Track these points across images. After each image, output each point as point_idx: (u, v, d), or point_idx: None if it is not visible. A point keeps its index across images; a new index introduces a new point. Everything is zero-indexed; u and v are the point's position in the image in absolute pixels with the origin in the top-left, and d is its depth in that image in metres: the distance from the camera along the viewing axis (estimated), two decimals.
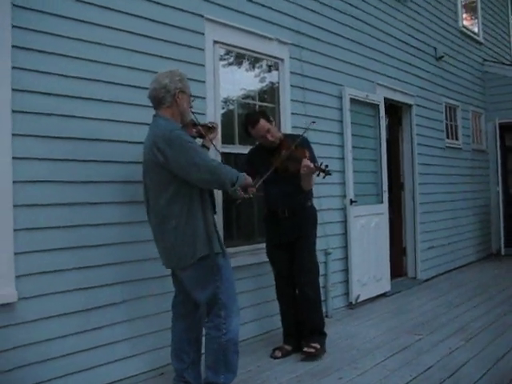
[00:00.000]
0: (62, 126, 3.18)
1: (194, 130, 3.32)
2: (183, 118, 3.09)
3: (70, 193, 3.20)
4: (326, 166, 3.65)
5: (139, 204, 3.30)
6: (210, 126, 3.45)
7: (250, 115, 4.04)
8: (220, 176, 2.87)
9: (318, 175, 3.67)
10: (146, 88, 3.52)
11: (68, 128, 3.21)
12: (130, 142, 3.51)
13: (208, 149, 3.33)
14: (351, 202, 5.52)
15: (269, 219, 4.11)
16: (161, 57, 3.73)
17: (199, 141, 3.34)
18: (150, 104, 3.29)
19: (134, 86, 3.56)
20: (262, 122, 3.86)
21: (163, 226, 2.91)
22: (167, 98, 2.98)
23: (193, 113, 3.21)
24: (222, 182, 2.90)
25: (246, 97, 4.67)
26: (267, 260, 4.18)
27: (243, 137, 4.44)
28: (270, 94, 4.88)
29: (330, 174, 3.66)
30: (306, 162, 3.62)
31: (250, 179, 3.08)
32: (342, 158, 5.54)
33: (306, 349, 3.93)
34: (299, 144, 3.85)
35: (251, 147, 4.21)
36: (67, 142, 3.20)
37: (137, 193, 3.38)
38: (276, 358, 3.98)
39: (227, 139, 4.31)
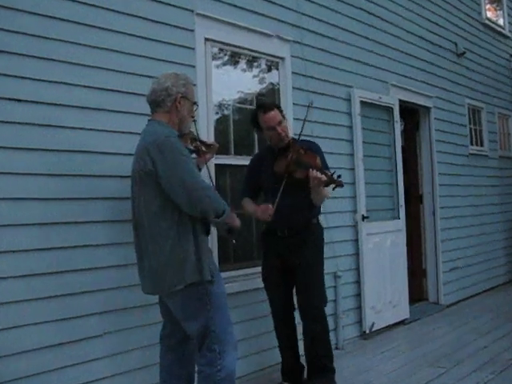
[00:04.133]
0: (44, 137, 3.20)
1: (192, 144, 3.33)
2: (181, 127, 3.10)
3: (52, 211, 3.21)
4: (339, 176, 3.61)
5: (127, 223, 3.29)
6: (210, 145, 3.48)
7: (264, 102, 4.06)
8: (205, 201, 2.85)
9: (327, 186, 3.62)
10: (131, 93, 3.59)
11: (50, 139, 3.22)
12: (119, 154, 3.52)
13: (200, 170, 3.29)
14: (363, 217, 5.53)
15: (267, 238, 4.05)
16: (145, 57, 3.75)
17: (193, 158, 3.34)
18: (141, 111, 3.30)
19: (120, 92, 3.59)
20: (276, 111, 3.85)
21: (149, 245, 2.91)
22: (167, 101, 3.01)
23: (194, 121, 3.24)
24: (206, 210, 2.88)
25: (243, 101, 4.69)
26: (261, 286, 4.12)
27: (239, 146, 4.46)
28: (270, 97, 4.90)
29: (341, 186, 3.63)
30: (315, 173, 3.54)
31: (237, 221, 3.10)
32: (353, 169, 5.55)
33: None
34: (310, 148, 3.82)
35: (254, 154, 4.16)
36: (50, 154, 3.21)
37: (125, 211, 3.37)
38: None
39: (221, 149, 4.31)
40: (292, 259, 3.90)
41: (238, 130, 4.58)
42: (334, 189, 3.62)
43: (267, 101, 4.10)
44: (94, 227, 3.41)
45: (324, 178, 3.55)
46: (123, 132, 3.57)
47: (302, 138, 3.94)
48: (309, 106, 4.02)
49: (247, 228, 4.64)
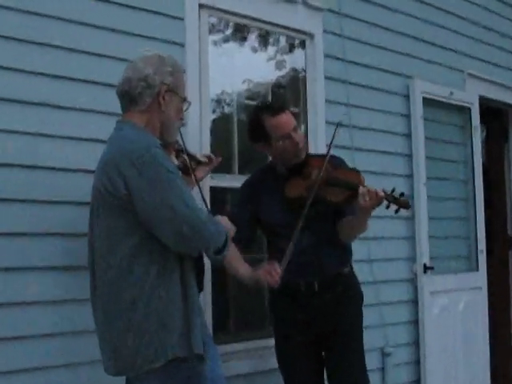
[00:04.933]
0: None
1: (178, 159, 3.35)
2: (165, 133, 3.08)
3: None
4: (402, 194, 3.62)
5: (82, 270, 3.27)
6: (202, 160, 3.49)
7: (270, 102, 4.10)
8: (204, 234, 2.84)
9: (387, 208, 3.61)
10: (92, 82, 3.61)
11: None
12: (74, 171, 3.55)
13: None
14: (425, 268, 5.52)
15: (280, 297, 3.97)
16: (111, 30, 3.79)
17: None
18: (106, 109, 3.32)
19: (75, 80, 3.60)
20: (289, 114, 3.81)
21: (114, 301, 2.87)
22: (145, 96, 2.97)
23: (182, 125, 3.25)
24: (205, 244, 2.88)
25: (252, 94, 4.71)
26: (274, 367, 4.09)
27: (245, 161, 4.45)
28: (292, 90, 4.92)
29: (408, 207, 3.65)
30: (365, 189, 3.50)
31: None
32: (411, 197, 5.54)
33: None
34: (336, 164, 3.83)
35: (249, 176, 4.14)
36: None
37: (78, 251, 3.37)
38: None
39: (220, 165, 4.30)
40: (323, 325, 3.88)
41: (245, 136, 4.54)
42: (396, 212, 3.63)
43: (274, 102, 4.10)
44: (32, 276, 3.40)
45: (382, 193, 3.51)
46: (79, 138, 3.58)
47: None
48: (337, 126, 3.87)
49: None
